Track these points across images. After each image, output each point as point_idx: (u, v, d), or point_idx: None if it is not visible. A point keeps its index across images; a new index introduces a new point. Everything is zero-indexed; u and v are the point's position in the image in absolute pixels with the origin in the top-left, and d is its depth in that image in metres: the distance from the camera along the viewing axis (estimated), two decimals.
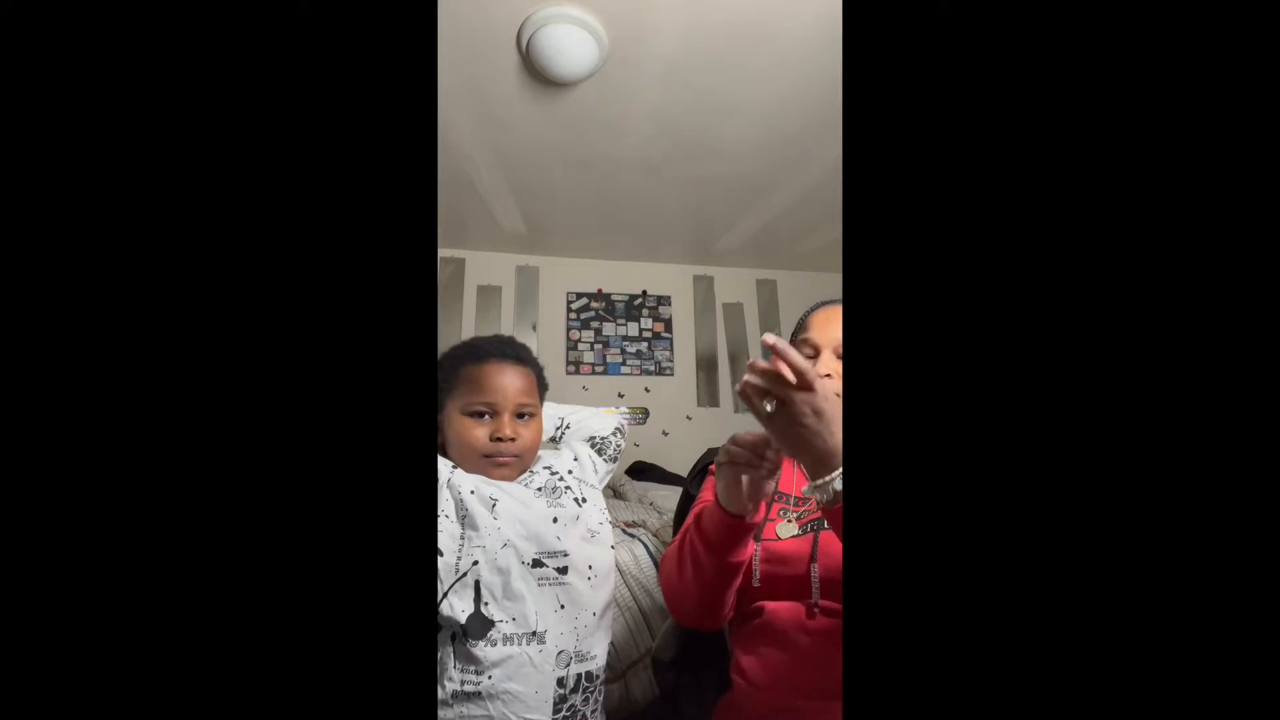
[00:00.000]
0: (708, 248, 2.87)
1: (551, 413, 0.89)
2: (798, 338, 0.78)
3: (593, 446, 0.88)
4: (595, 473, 0.86)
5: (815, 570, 0.67)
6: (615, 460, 0.90)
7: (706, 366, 2.98)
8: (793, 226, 2.61)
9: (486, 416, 0.77)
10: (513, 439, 0.76)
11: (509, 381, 0.78)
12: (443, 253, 2.79)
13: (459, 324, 2.75)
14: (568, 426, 0.90)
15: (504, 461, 0.76)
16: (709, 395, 2.95)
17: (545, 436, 0.88)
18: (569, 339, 2.88)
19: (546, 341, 2.83)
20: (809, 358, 0.75)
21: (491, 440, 0.75)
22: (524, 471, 0.79)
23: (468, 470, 0.77)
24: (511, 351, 0.81)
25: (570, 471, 0.83)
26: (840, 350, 0.73)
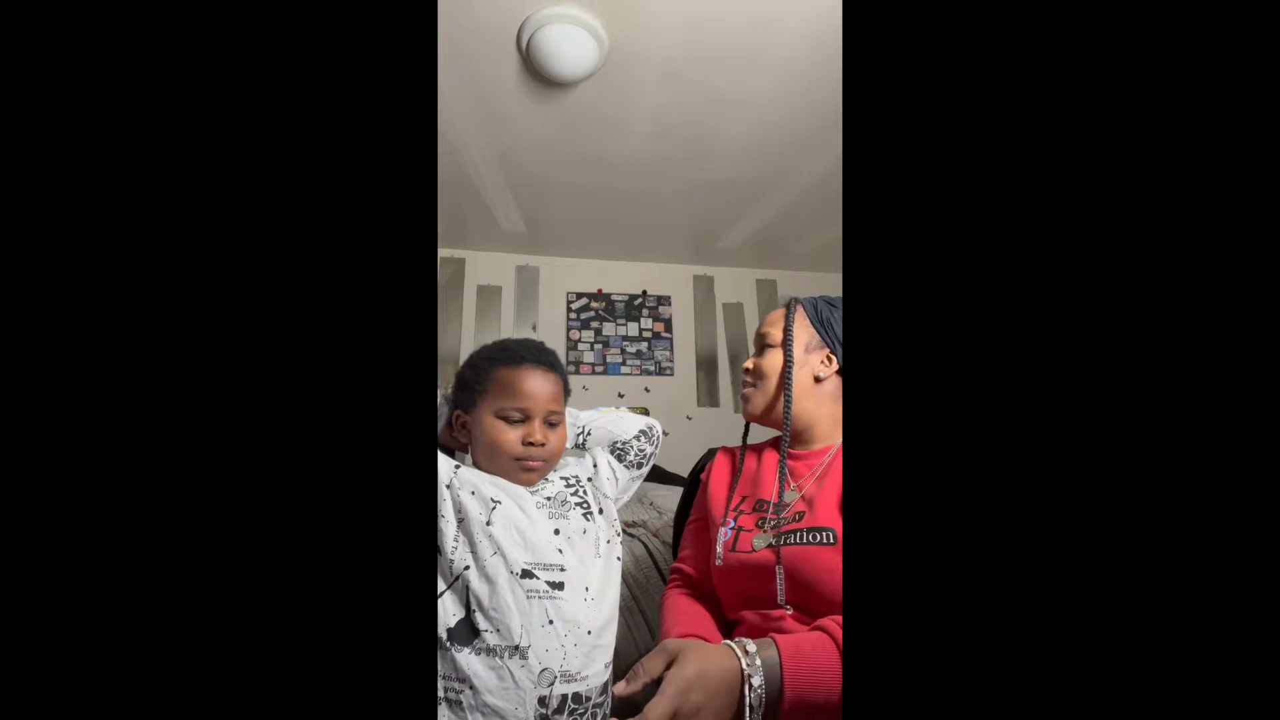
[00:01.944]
0: (708, 248, 2.87)
1: (573, 420, 0.87)
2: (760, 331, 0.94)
3: (613, 453, 0.86)
4: (614, 483, 0.84)
5: (781, 580, 0.72)
6: (640, 467, 0.86)
7: (706, 366, 2.98)
8: (792, 226, 2.61)
9: (520, 421, 0.77)
10: (543, 444, 0.77)
11: (542, 387, 0.78)
12: (443, 253, 2.79)
13: (459, 324, 2.75)
14: (589, 433, 0.88)
15: (534, 466, 0.77)
16: (709, 395, 2.95)
17: (569, 444, 0.86)
18: (569, 339, 2.88)
19: (546, 341, 2.80)
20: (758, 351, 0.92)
21: (524, 444, 0.76)
22: (545, 476, 0.80)
23: (496, 472, 0.77)
24: (545, 358, 0.82)
25: (590, 480, 0.82)
26: (776, 342, 0.89)
